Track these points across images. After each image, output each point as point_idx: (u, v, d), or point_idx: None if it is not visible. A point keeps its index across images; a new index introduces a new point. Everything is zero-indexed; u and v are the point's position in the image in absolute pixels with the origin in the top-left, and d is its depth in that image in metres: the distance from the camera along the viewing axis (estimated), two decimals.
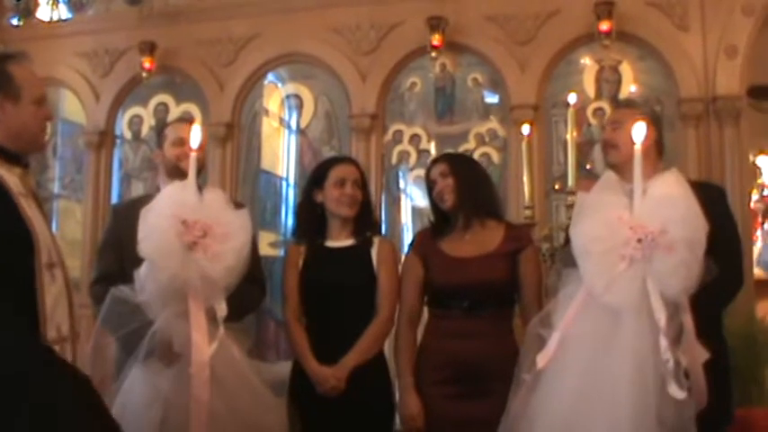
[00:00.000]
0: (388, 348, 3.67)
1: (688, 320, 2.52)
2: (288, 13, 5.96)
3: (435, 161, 3.62)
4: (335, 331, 3.32)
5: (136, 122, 6.48)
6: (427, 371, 3.32)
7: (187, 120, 4.83)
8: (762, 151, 6.47)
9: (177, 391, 2.80)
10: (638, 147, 2.56)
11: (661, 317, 2.45)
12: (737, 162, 5.33)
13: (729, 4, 5.45)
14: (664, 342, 2.43)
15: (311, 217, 3.50)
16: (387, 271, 3.40)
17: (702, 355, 2.53)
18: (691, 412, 2.41)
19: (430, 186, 3.49)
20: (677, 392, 2.40)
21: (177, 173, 3.31)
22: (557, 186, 4.95)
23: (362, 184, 3.51)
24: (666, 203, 2.57)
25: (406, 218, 5.87)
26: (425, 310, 3.44)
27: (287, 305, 3.42)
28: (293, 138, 6.12)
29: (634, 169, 2.56)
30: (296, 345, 3.36)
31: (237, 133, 6.15)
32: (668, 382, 2.42)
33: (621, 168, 2.90)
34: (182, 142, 3.37)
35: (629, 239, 2.48)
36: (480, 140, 5.69)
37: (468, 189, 3.41)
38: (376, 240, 3.47)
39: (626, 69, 5.59)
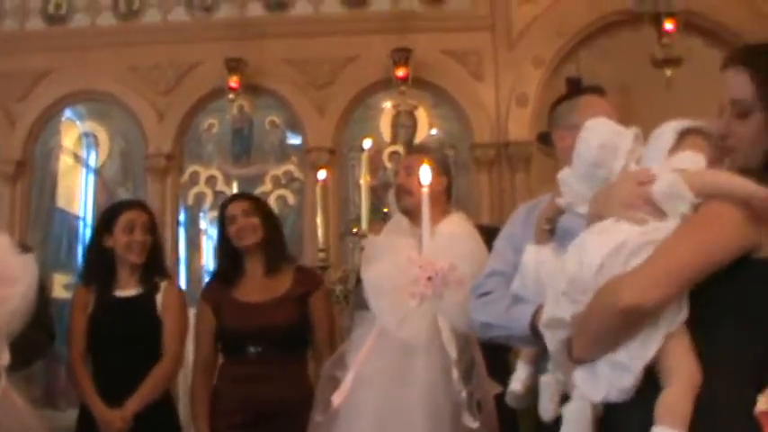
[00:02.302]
0: (183, 394, 3.59)
1: (478, 354, 2.60)
2: (85, 50, 5.78)
3: (234, 198, 3.66)
4: (121, 381, 3.25)
5: None
6: (222, 416, 3.32)
7: None
8: None
9: None
10: (425, 189, 2.62)
11: (452, 350, 2.51)
12: None
13: (521, 56, 5.68)
14: (456, 374, 2.49)
15: (100, 262, 3.44)
16: (171, 315, 3.38)
17: (493, 387, 2.60)
18: None
19: (225, 224, 3.46)
20: (470, 422, 2.47)
21: None
22: (355, 230, 4.94)
23: (152, 228, 3.46)
24: (453, 241, 2.67)
25: (206, 260, 5.72)
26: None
27: (72, 348, 3.35)
28: (91, 176, 5.89)
29: (422, 210, 2.62)
30: (81, 387, 3.30)
31: (29, 171, 5.86)
32: (462, 413, 2.48)
33: (414, 213, 2.92)
34: None
35: (418, 278, 2.54)
36: (277, 183, 5.66)
37: (270, 230, 3.48)
38: (162, 286, 3.44)
39: (421, 115, 5.70)
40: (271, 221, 3.51)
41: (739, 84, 1.63)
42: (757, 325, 1.53)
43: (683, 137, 1.69)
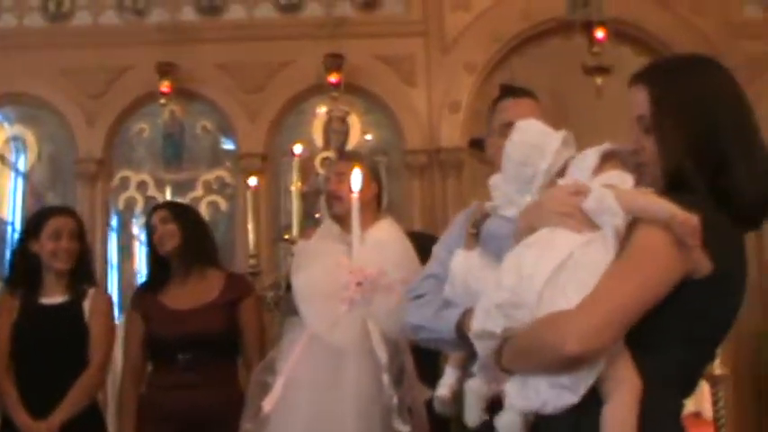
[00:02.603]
0: (112, 402, 3.55)
1: (408, 359, 2.62)
2: (12, 52, 5.64)
3: (156, 208, 3.67)
4: (47, 388, 3.21)
5: None
6: (151, 424, 3.31)
7: None
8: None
9: None
10: (355, 195, 2.63)
11: (382, 355, 2.53)
12: (459, 210, 5.50)
13: (453, 62, 5.71)
14: (386, 379, 2.51)
15: (26, 268, 3.40)
16: (98, 322, 3.35)
17: (424, 393, 2.60)
18: None
19: (150, 233, 3.48)
20: (401, 426, 2.49)
21: None
22: (286, 236, 4.95)
23: (79, 234, 3.43)
24: (383, 247, 2.69)
25: (139, 265, 5.68)
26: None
27: None
28: (19, 180, 5.79)
29: (352, 216, 2.63)
30: (6, 396, 3.24)
31: None
32: (392, 418, 2.50)
33: (345, 219, 2.93)
34: None
35: (348, 283, 2.56)
36: (208, 188, 5.62)
37: (189, 236, 3.46)
38: (90, 293, 3.40)
39: (354, 120, 5.70)
40: (189, 227, 3.49)
41: (639, 100, 1.66)
42: (691, 343, 1.56)
43: (606, 159, 1.71)
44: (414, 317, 2.34)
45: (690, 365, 1.59)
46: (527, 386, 1.57)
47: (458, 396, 2.23)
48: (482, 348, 1.68)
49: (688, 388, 1.62)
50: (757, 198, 1.60)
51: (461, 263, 2.17)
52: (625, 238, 1.55)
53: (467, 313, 2.12)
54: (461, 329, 2.14)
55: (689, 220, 1.47)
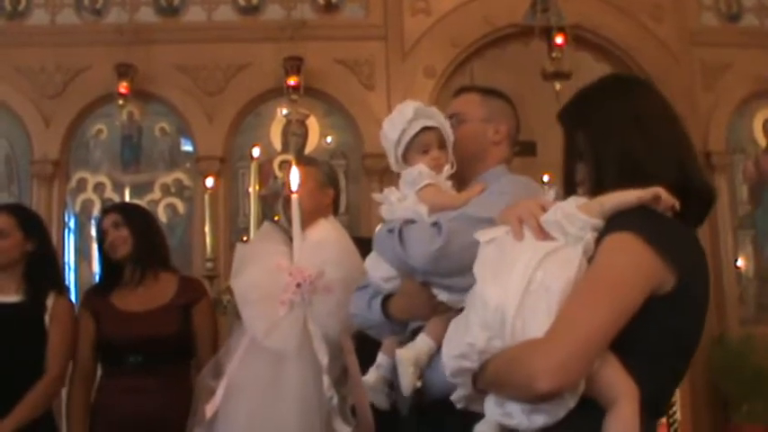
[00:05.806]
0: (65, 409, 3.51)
1: (352, 360, 2.60)
2: None
3: (106, 211, 3.61)
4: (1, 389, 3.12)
5: None
6: (101, 428, 3.27)
7: None
8: None
9: None
10: (294, 194, 2.64)
11: (323, 357, 2.53)
12: None
13: (413, 66, 5.70)
14: (326, 380, 2.51)
15: None
16: (58, 328, 3.28)
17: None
18: None
19: (101, 237, 3.44)
20: (342, 427, 2.50)
21: None
22: (244, 239, 4.93)
23: (24, 231, 3.36)
24: (322, 247, 2.67)
25: (97, 267, 5.62)
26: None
27: None
28: None
29: (292, 217, 2.64)
30: None
31: None
32: (333, 419, 2.51)
33: (302, 222, 2.92)
34: None
35: (288, 285, 2.56)
36: (166, 191, 5.57)
37: (142, 240, 3.42)
38: (51, 296, 3.33)
39: (313, 124, 5.68)
40: (142, 230, 3.45)
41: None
42: (655, 361, 1.55)
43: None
44: (352, 306, 2.36)
45: (656, 386, 1.57)
46: (503, 406, 1.58)
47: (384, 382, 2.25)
48: (461, 382, 1.67)
49: (659, 407, 1.61)
50: (706, 190, 1.69)
51: (370, 259, 2.25)
52: (593, 254, 1.56)
53: (387, 297, 2.20)
54: (387, 313, 2.19)
55: (654, 192, 1.55)
